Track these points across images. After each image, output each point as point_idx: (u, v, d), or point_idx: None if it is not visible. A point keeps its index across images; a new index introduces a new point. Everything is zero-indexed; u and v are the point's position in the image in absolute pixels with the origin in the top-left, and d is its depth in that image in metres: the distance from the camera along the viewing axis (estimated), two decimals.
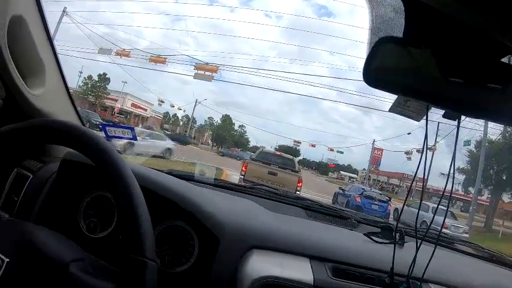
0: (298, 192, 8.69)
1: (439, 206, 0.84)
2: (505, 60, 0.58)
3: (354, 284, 0.92)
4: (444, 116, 0.64)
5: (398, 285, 0.84)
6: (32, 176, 1.00)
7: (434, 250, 0.80)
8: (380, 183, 41.71)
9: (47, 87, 1.06)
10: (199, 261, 0.95)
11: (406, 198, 1.20)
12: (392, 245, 1.09)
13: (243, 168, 9.54)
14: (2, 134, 0.73)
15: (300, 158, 49.72)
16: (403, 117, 0.77)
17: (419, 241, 0.80)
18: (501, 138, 20.31)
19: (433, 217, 0.86)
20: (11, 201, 0.97)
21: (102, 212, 1.00)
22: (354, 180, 43.70)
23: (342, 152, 41.96)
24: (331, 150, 41.84)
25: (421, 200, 0.88)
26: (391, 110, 0.76)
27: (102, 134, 1.34)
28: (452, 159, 0.75)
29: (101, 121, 18.94)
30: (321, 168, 59.38)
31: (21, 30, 0.93)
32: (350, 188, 15.63)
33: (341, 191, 15.29)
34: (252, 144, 55.92)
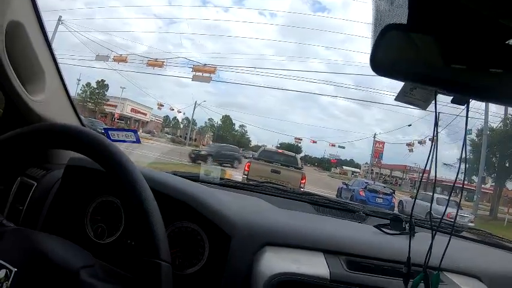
0: (302, 189, 8.68)
1: (451, 197, 0.83)
2: (510, 42, 0.57)
3: (370, 275, 0.91)
4: (452, 101, 0.63)
5: (414, 275, 0.82)
6: (36, 184, 0.99)
7: (450, 239, 0.79)
8: (383, 177, 41.66)
9: (47, 92, 1.05)
10: (211, 262, 0.94)
11: (418, 190, 1.20)
12: (404, 236, 1.09)
13: (246, 168, 9.54)
14: (6, 140, 0.71)
15: (302, 154, 49.64)
16: (407, 106, 0.76)
17: (434, 231, 0.79)
18: (502, 125, 20.24)
19: (446, 208, 0.85)
20: (16, 211, 0.96)
21: (109, 217, 0.99)
22: (357, 174, 43.60)
23: (343, 147, 41.94)
24: (332, 145, 41.77)
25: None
26: (397, 99, 0.75)
27: None
28: (463, 146, 0.74)
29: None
30: (323, 164, 59.31)
31: (20, 36, 0.92)
32: (353, 183, 15.62)
33: (345, 186, 15.35)
34: (253, 143, 56.03)
